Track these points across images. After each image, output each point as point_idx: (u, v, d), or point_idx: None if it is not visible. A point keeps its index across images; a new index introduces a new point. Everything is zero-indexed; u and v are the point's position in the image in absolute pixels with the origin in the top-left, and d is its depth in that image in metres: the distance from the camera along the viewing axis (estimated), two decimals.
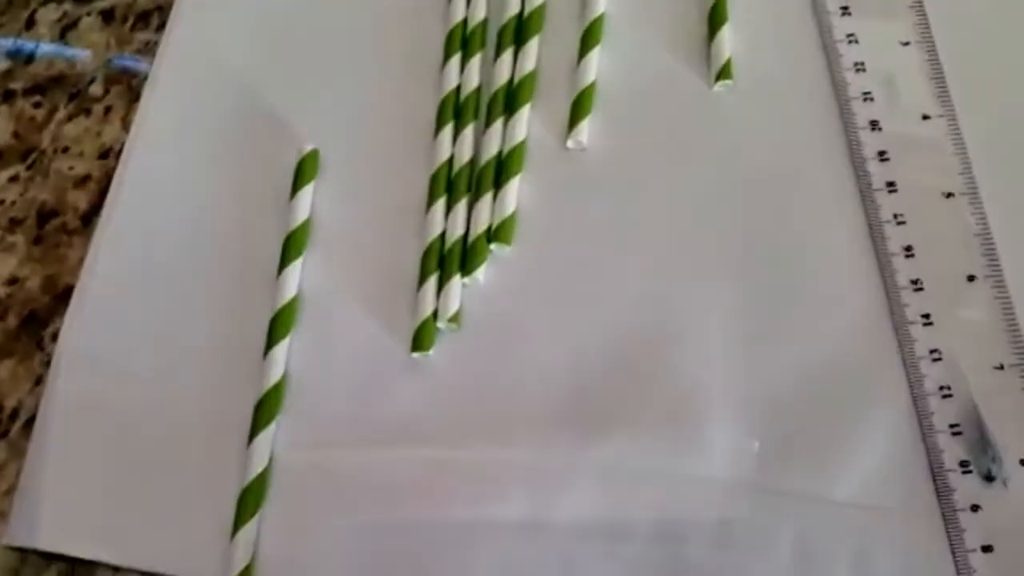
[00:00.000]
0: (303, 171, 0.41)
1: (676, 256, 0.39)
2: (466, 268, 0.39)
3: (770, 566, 0.35)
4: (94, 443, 0.37)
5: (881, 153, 0.40)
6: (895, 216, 0.39)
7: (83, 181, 0.43)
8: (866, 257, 0.39)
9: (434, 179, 0.41)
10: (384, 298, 0.39)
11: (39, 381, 0.39)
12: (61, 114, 0.45)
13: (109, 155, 0.44)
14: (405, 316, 0.39)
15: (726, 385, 0.37)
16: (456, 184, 0.41)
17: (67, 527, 0.36)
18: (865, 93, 0.41)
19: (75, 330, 0.40)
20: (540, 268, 0.40)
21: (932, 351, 0.37)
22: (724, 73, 0.42)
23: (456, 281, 0.39)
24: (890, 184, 0.39)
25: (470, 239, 0.40)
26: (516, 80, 0.43)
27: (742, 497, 0.36)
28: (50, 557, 0.37)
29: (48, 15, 0.47)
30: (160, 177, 0.42)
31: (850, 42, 0.42)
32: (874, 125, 0.41)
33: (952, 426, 0.36)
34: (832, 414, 0.37)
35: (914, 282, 0.38)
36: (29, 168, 0.44)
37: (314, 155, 0.42)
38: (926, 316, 0.37)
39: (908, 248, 0.38)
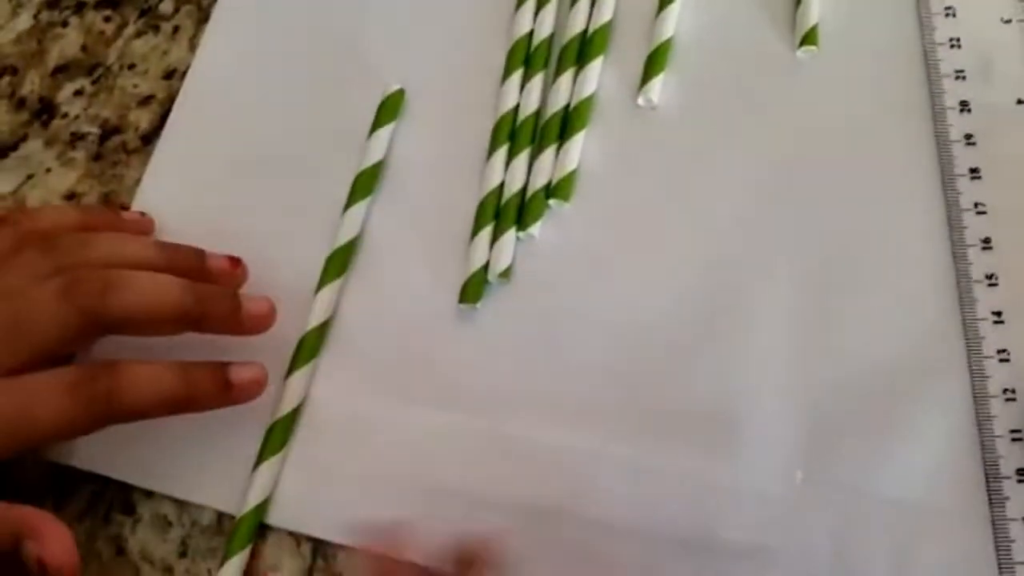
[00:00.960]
0: (385, 110, 0.41)
1: (738, 231, 0.38)
2: (522, 222, 0.38)
3: (808, 559, 0.34)
4: None
5: (968, 136, 0.38)
6: (975, 205, 0.37)
7: (146, 100, 0.43)
8: (940, 246, 0.37)
9: (497, 128, 0.40)
10: (441, 248, 0.39)
11: None
12: (130, 30, 0.44)
13: (174, 76, 0.43)
14: (459, 267, 0.38)
15: (777, 382, 0.36)
16: (519, 135, 0.40)
17: (102, 449, 0.36)
18: (958, 71, 0.39)
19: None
20: (597, 229, 0.38)
21: (1000, 351, 0.35)
22: (808, 39, 0.40)
23: (511, 235, 0.38)
24: (974, 170, 0.37)
25: (528, 193, 0.39)
26: (591, 30, 0.41)
27: (780, 507, 0.34)
28: (83, 478, 0.37)
29: None
30: (227, 97, 0.42)
31: (947, 15, 0.40)
32: (964, 106, 0.38)
33: (1013, 431, 0.34)
34: (886, 407, 0.35)
35: (988, 277, 0.36)
36: (94, 83, 0.43)
37: (399, 95, 0.41)
38: (997, 314, 0.36)
39: (986, 240, 0.36)
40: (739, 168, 0.39)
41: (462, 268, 0.38)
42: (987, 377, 0.35)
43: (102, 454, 0.36)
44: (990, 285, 0.36)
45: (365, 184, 0.39)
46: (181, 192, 0.41)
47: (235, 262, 0.37)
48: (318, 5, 0.43)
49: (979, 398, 0.35)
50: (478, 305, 0.37)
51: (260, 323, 0.36)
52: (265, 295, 0.36)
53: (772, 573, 0.34)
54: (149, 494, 0.37)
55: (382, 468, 0.36)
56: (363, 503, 0.35)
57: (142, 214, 0.39)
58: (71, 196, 0.41)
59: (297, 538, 0.35)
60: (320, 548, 0.35)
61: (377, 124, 0.40)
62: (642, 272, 0.38)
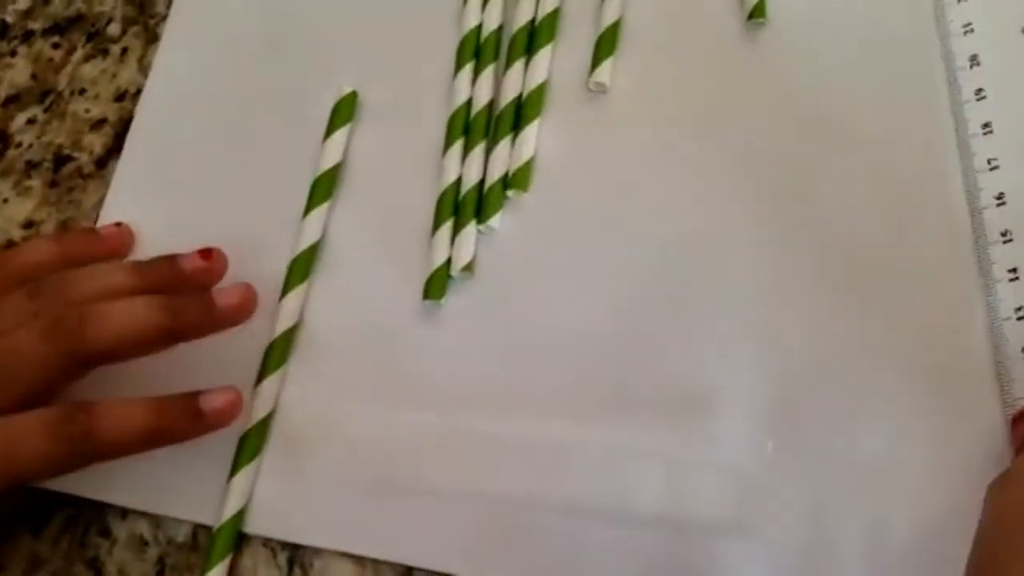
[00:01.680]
0: (339, 113, 0.40)
1: (699, 209, 0.38)
2: (481, 215, 0.38)
3: (784, 529, 0.33)
4: None
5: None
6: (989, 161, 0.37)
7: (99, 124, 0.43)
8: (894, 215, 0.37)
9: (451, 123, 0.40)
10: (403, 246, 0.39)
11: None
12: (78, 55, 0.44)
13: (125, 97, 0.43)
14: (422, 264, 0.38)
15: (743, 358, 0.35)
16: (473, 129, 0.39)
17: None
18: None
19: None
20: (558, 217, 0.38)
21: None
22: (757, 11, 0.39)
23: (471, 228, 0.38)
24: (985, 125, 0.37)
25: (486, 186, 0.39)
26: (539, 18, 0.41)
27: (753, 478, 0.34)
28: (58, 502, 0.36)
29: None
30: (183, 112, 0.42)
31: None
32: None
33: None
34: (852, 375, 0.35)
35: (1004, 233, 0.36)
36: (46, 111, 0.43)
37: (352, 97, 0.41)
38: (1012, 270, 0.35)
39: (1000, 196, 0.36)
40: (697, 144, 0.38)
41: (425, 265, 0.38)
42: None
43: (77, 475, 0.36)
44: (1006, 242, 0.36)
45: (323, 189, 0.39)
46: (143, 209, 0.40)
47: (206, 254, 0.37)
48: (268, 15, 0.43)
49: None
50: (443, 301, 0.37)
51: (238, 313, 0.36)
52: (240, 282, 0.36)
53: (749, 546, 0.33)
54: (124, 515, 0.36)
55: (357, 470, 0.35)
56: (340, 506, 0.35)
57: (118, 224, 0.39)
58: (29, 225, 0.41)
59: (273, 549, 0.35)
60: (296, 557, 0.35)
61: (332, 127, 0.40)
62: (605, 256, 0.37)
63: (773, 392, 0.35)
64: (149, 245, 0.39)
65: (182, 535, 0.36)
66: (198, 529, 0.36)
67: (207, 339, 0.35)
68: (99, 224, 0.40)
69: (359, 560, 0.35)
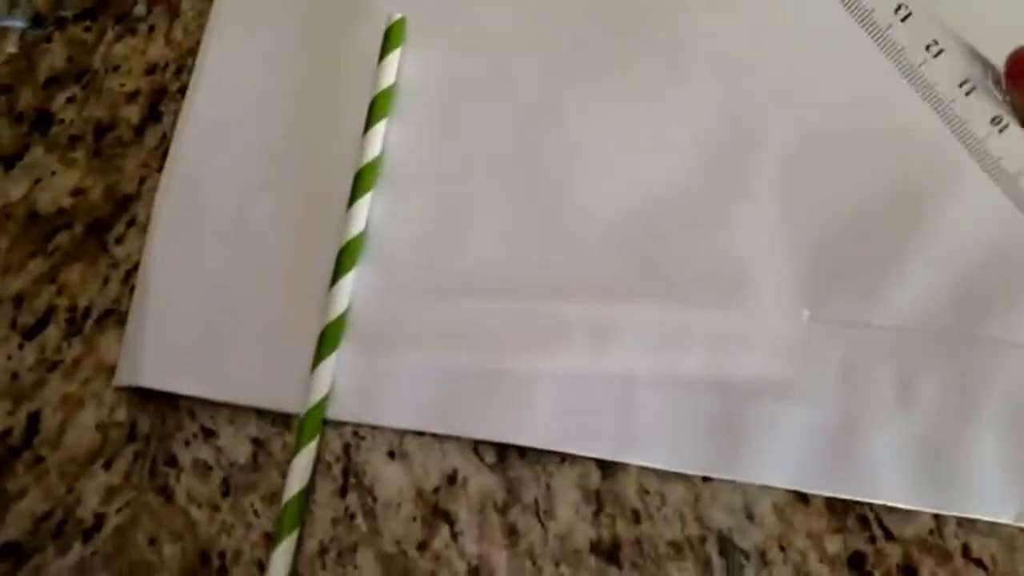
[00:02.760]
0: (390, 39, 0.43)
1: (728, 88, 0.42)
2: None
3: (819, 388, 0.37)
4: (189, 293, 0.41)
5: None
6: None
7: (133, 96, 0.46)
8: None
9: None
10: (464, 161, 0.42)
11: (107, 281, 0.42)
12: (109, 35, 0.47)
13: (155, 71, 0.46)
14: None
15: (774, 233, 0.39)
16: None
17: (166, 367, 0.40)
18: None
19: (168, 194, 0.43)
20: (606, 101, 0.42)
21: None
22: None
23: None
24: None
25: None
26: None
27: (790, 344, 0.38)
28: (127, 439, 0.40)
29: None
30: (239, 59, 0.45)
31: None
32: None
33: None
34: (880, 242, 0.39)
35: (962, 84, 0.39)
36: (84, 88, 0.46)
37: (401, 23, 0.44)
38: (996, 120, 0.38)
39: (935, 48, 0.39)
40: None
41: None
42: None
43: (168, 373, 0.40)
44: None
45: (381, 108, 0.43)
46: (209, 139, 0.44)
47: None
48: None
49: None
50: None
51: None
52: None
53: (787, 403, 0.37)
54: (187, 443, 0.39)
55: (426, 357, 0.39)
56: (413, 390, 0.39)
57: None
58: (78, 192, 0.44)
59: (328, 463, 0.38)
60: (351, 467, 0.38)
61: (384, 52, 0.43)
62: (636, 140, 0.41)
63: (805, 265, 0.39)
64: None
65: (243, 456, 0.39)
66: (257, 450, 0.39)
67: (282, 240, 0.40)
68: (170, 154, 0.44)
69: (406, 461, 0.38)
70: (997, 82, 0.39)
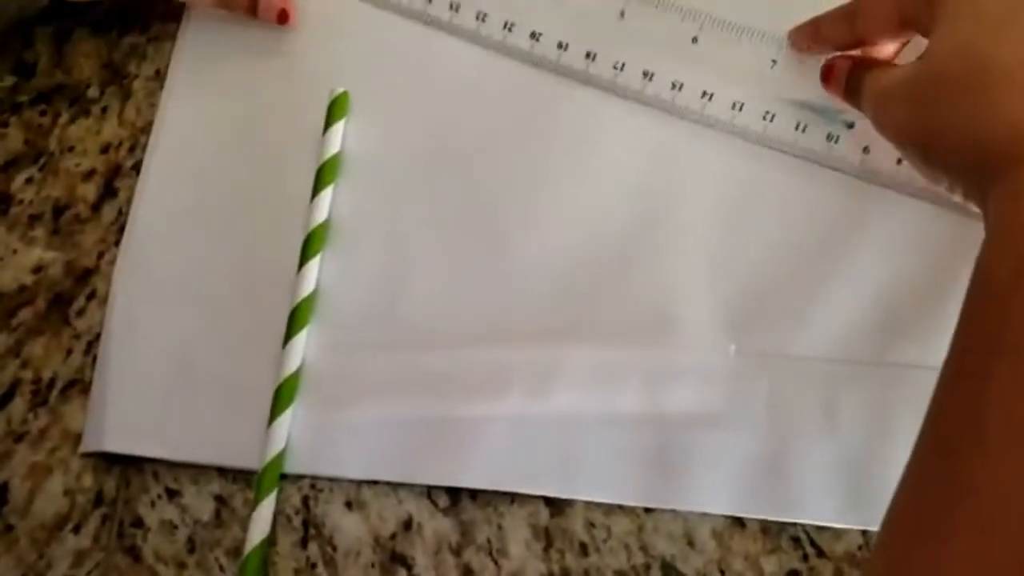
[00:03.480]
0: (334, 111, 0.46)
1: (655, 139, 0.44)
2: None
3: (748, 417, 0.40)
4: (148, 359, 0.43)
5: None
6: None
7: (89, 175, 0.48)
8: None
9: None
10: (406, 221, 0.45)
11: (70, 352, 0.44)
12: (64, 118, 0.49)
13: (109, 149, 0.48)
14: None
15: (702, 273, 0.42)
16: None
17: (130, 432, 0.42)
18: None
19: (126, 267, 0.45)
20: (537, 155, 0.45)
21: None
22: None
23: None
24: None
25: None
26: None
27: (720, 377, 0.40)
28: (94, 504, 0.41)
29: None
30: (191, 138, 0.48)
31: None
32: None
33: None
34: (800, 278, 0.41)
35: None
36: (41, 169, 0.48)
37: (344, 96, 0.46)
38: None
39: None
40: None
41: None
42: None
43: (132, 437, 0.42)
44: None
45: (327, 176, 0.45)
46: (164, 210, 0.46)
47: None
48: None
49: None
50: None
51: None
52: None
53: (720, 433, 0.39)
54: (153, 504, 0.41)
55: (374, 410, 0.41)
56: (366, 440, 0.41)
57: None
58: (38, 269, 0.46)
59: (288, 515, 0.40)
60: (311, 519, 0.40)
61: (328, 123, 0.45)
62: (568, 198, 0.44)
63: (729, 302, 0.41)
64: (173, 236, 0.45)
65: (207, 514, 0.41)
66: (220, 507, 0.41)
67: (236, 303, 0.43)
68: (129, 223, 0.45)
69: (363, 510, 0.40)
70: None
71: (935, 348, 0.39)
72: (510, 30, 0.46)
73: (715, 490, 0.39)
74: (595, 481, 0.39)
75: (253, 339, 0.43)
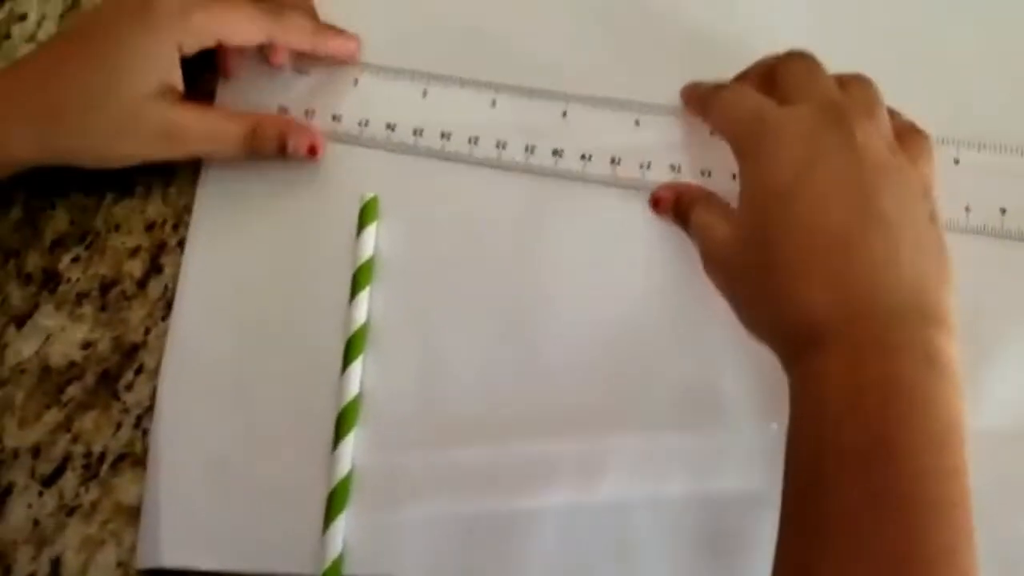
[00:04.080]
0: (366, 215, 0.47)
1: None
2: None
3: None
4: (197, 470, 0.44)
5: None
6: None
7: (135, 252, 0.49)
8: None
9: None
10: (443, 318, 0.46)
11: (119, 426, 0.45)
12: (108, 198, 0.51)
13: (154, 227, 0.50)
14: None
15: (740, 357, 0.43)
16: None
17: (184, 545, 0.42)
18: None
19: (169, 380, 0.46)
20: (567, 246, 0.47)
21: None
22: None
23: None
24: None
25: None
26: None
27: (764, 456, 0.41)
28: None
29: None
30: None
31: None
32: None
33: None
34: None
35: None
36: (88, 248, 0.50)
37: (374, 201, 0.48)
38: None
39: None
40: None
41: None
42: None
43: (186, 550, 0.42)
44: None
45: (363, 279, 0.46)
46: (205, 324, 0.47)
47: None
48: None
49: None
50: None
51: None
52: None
53: (761, 509, 0.40)
54: None
55: (428, 508, 0.42)
56: (419, 539, 0.42)
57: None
58: (87, 345, 0.47)
59: None
60: None
61: (361, 226, 0.47)
62: (601, 290, 0.45)
63: (766, 379, 0.41)
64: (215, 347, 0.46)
65: None
66: None
67: (283, 411, 0.44)
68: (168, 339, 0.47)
69: None
70: None
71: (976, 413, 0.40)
72: (503, 148, 0.48)
73: (765, 570, 0.39)
74: (649, 567, 0.40)
75: (300, 444, 0.44)
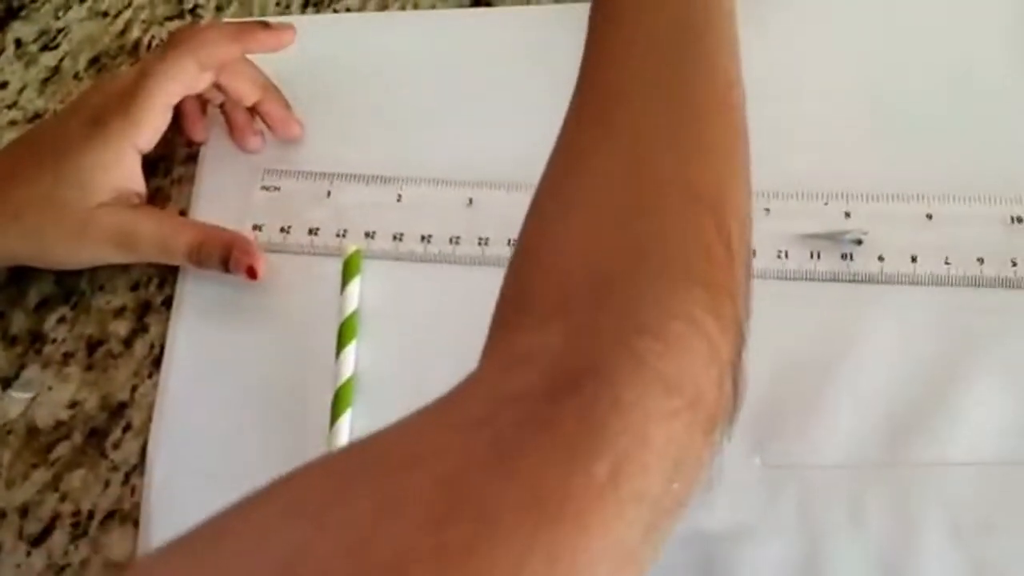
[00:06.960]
0: (348, 269, 0.48)
1: None
2: None
3: (777, 526, 0.41)
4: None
5: None
6: None
7: (120, 311, 0.50)
8: None
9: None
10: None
11: (107, 484, 0.46)
12: None
13: (138, 287, 0.50)
14: None
15: None
16: None
17: None
18: None
19: (159, 449, 0.46)
20: None
21: None
22: None
23: None
24: None
25: None
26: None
27: (749, 490, 0.42)
28: None
29: None
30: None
31: None
32: None
33: None
34: (814, 389, 0.44)
35: None
36: (73, 308, 0.50)
37: (357, 255, 0.49)
38: None
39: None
40: None
41: None
42: None
43: None
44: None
45: (348, 335, 0.47)
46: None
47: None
48: None
49: None
50: None
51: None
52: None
53: (748, 545, 0.41)
54: None
55: None
56: None
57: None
58: (74, 404, 0.48)
59: None
60: None
61: (345, 281, 0.48)
62: None
63: (751, 416, 0.42)
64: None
65: None
66: None
67: (274, 469, 0.42)
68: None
69: None
70: None
71: (952, 442, 0.42)
72: (486, 244, 0.49)
73: None
74: None
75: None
